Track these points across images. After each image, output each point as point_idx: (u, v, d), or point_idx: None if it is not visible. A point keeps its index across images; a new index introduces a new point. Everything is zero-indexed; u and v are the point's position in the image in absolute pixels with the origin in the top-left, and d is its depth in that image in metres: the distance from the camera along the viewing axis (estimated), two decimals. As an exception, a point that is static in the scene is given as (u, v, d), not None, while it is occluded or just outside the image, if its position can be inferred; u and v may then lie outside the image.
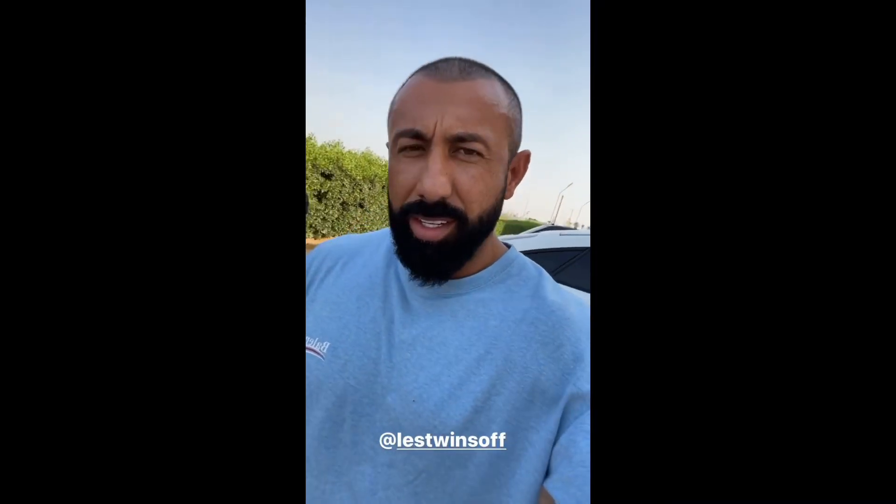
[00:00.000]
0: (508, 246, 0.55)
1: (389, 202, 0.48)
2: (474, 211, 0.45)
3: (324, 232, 7.68)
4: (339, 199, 7.41)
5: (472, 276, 0.50)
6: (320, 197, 7.34)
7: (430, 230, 0.44)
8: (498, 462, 0.43)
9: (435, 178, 0.42)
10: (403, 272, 0.51)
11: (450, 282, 0.49)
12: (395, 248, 0.48)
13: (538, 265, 0.54)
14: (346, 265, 0.56)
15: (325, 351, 0.49)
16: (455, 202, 0.44)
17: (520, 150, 0.50)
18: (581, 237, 2.34)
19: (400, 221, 0.46)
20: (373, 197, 8.74)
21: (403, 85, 0.48)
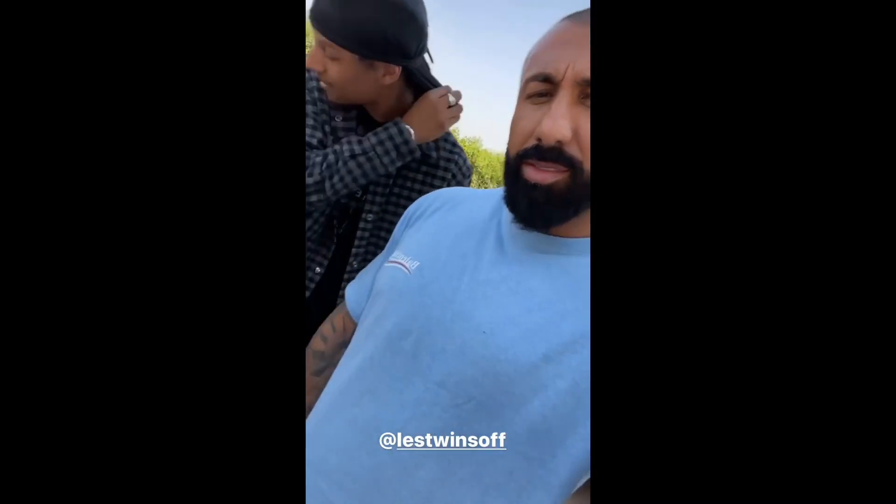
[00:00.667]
0: None
1: (507, 151, 0.46)
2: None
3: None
4: (464, 193, 7.68)
5: (578, 239, 0.47)
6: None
7: (541, 172, 0.42)
8: (553, 420, 0.41)
9: (555, 119, 0.40)
10: (506, 223, 0.51)
11: (554, 238, 0.47)
12: (505, 194, 0.47)
13: None
14: (453, 208, 0.58)
15: (412, 268, 0.51)
16: (572, 150, 0.41)
17: None
18: None
19: (514, 167, 0.44)
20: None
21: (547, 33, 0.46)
